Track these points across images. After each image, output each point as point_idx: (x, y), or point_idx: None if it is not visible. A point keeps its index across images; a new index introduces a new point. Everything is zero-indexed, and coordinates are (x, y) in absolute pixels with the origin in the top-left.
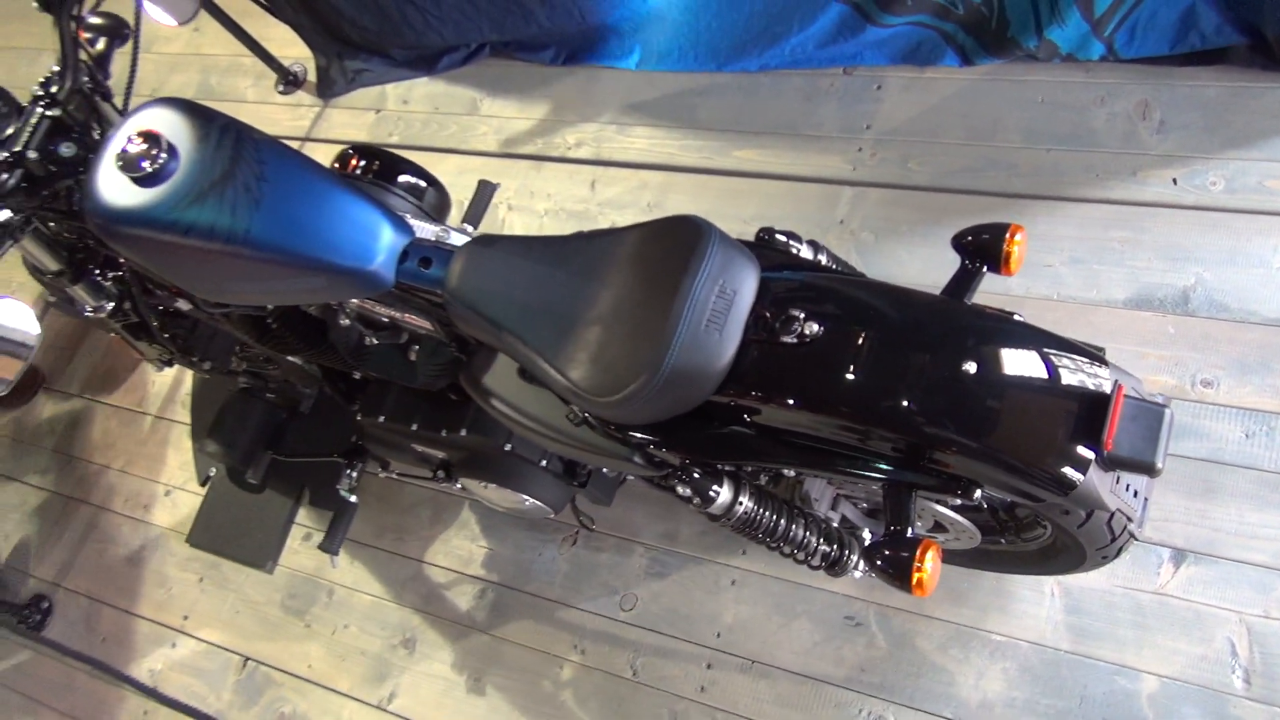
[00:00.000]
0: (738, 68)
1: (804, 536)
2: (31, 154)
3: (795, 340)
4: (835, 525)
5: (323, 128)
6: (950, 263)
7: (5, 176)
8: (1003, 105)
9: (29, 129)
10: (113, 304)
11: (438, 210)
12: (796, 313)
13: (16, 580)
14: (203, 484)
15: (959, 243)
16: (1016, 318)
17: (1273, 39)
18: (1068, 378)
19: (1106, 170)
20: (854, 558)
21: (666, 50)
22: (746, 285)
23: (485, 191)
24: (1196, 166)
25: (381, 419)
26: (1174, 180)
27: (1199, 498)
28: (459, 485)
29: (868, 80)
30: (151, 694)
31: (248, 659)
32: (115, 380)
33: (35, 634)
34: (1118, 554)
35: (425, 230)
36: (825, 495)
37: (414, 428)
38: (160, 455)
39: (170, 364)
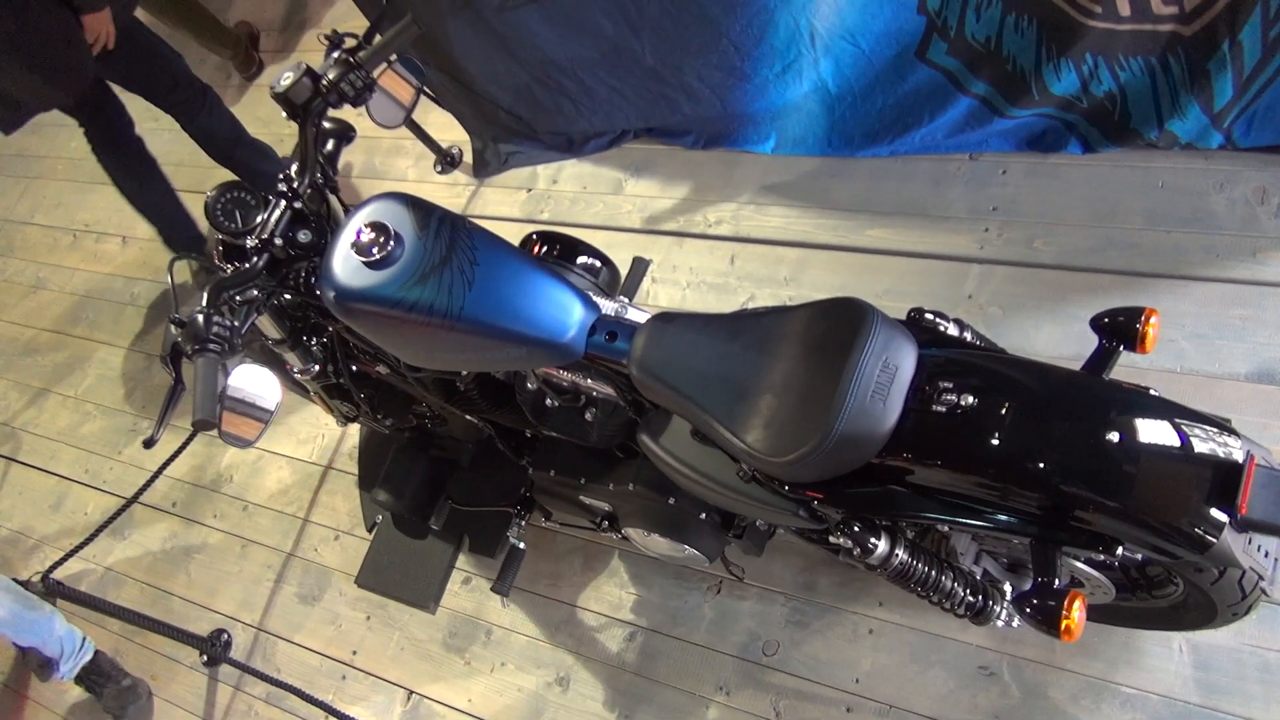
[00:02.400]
0: (869, 153)
1: (952, 586)
2: (277, 240)
3: (948, 410)
4: (979, 577)
5: (478, 205)
6: (1076, 336)
7: (256, 260)
8: (1124, 189)
9: (275, 219)
10: (318, 367)
11: (610, 286)
12: (949, 385)
13: (197, 615)
14: (369, 529)
15: (1097, 324)
16: (1152, 392)
17: None
18: (1202, 446)
19: (1226, 251)
20: (997, 608)
21: (801, 137)
22: (907, 360)
23: (639, 267)
24: None
25: (553, 472)
26: None
27: None
28: (621, 534)
29: (993, 165)
30: (334, 713)
31: (412, 692)
32: (290, 433)
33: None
34: (1247, 611)
35: (608, 306)
36: (970, 550)
37: (583, 481)
38: (330, 503)
39: (354, 420)
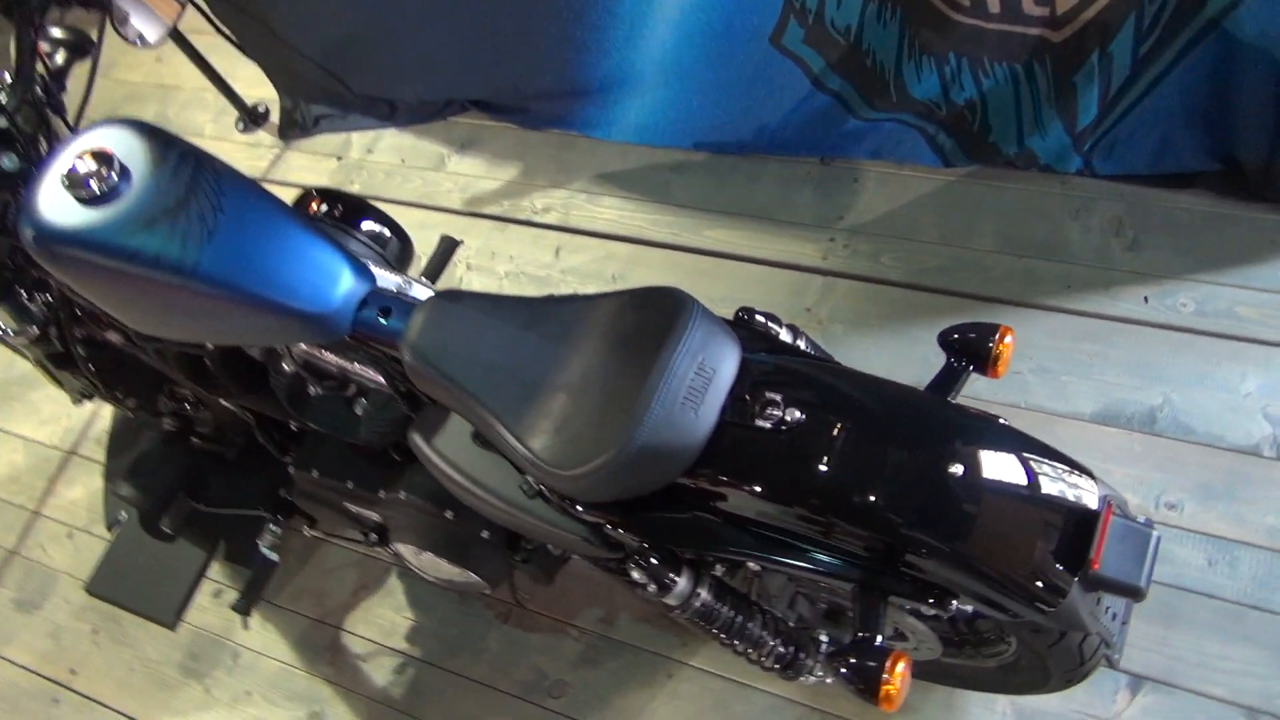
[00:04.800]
0: (714, 148)
1: (760, 635)
2: None
3: (772, 426)
4: (792, 625)
5: (280, 170)
6: (919, 360)
7: None
8: (979, 209)
9: None
10: (37, 330)
11: (400, 261)
12: (775, 397)
13: None
14: (110, 528)
15: (946, 340)
16: (1001, 421)
17: (1247, 167)
18: (1054, 489)
19: (1079, 282)
20: (810, 661)
21: (644, 124)
22: (727, 364)
23: (447, 247)
24: (1168, 286)
25: (315, 473)
26: (1145, 298)
27: (1159, 623)
28: (392, 551)
29: (845, 172)
30: None
31: None
32: (32, 411)
33: None
34: (1083, 678)
35: (388, 280)
36: (785, 591)
37: (349, 485)
38: (67, 495)
39: (90, 398)
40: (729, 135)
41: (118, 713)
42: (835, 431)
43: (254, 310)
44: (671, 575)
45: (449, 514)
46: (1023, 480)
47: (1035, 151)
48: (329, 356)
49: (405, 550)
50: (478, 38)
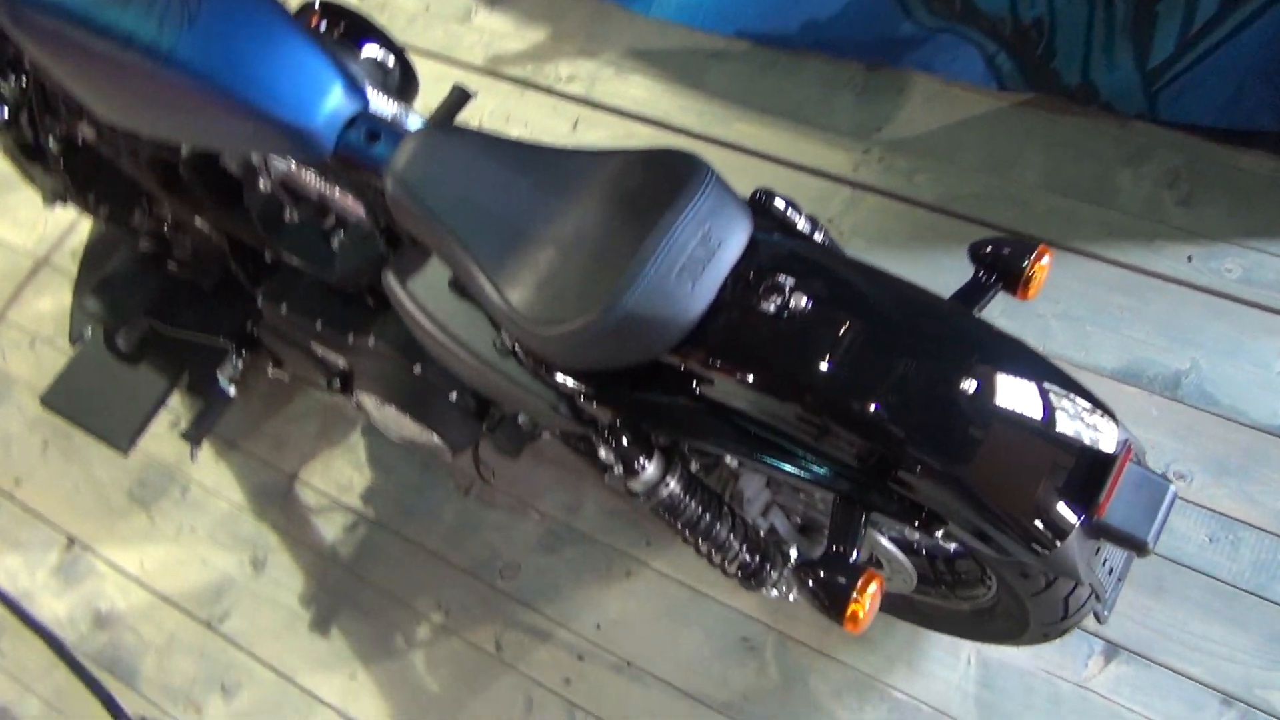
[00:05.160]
0: (757, 36)
1: (727, 538)
2: None
3: (774, 311)
4: (763, 533)
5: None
6: (941, 288)
7: None
8: (1027, 140)
9: None
10: (7, 114)
11: (401, 95)
12: (782, 281)
13: None
14: (73, 343)
15: (977, 252)
16: (1025, 344)
17: None
18: (1070, 425)
19: (1122, 231)
20: (775, 574)
21: (686, 2)
22: (735, 238)
23: (457, 98)
24: (1216, 248)
25: (284, 308)
26: (1189, 258)
27: (1147, 593)
28: (355, 401)
29: (890, 81)
30: None
31: (75, 541)
32: (7, 212)
33: None
34: (1061, 634)
35: (382, 105)
36: (759, 498)
37: (318, 325)
38: (34, 304)
39: (63, 201)
40: (774, 26)
41: (57, 528)
42: (843, 327)
43: (230, 110)
44: (642, 459)
45: (417, 368)
46: (1038, 410)
47: (1098, 86)
48: (309, 179)
49: (368, 401)
50: None
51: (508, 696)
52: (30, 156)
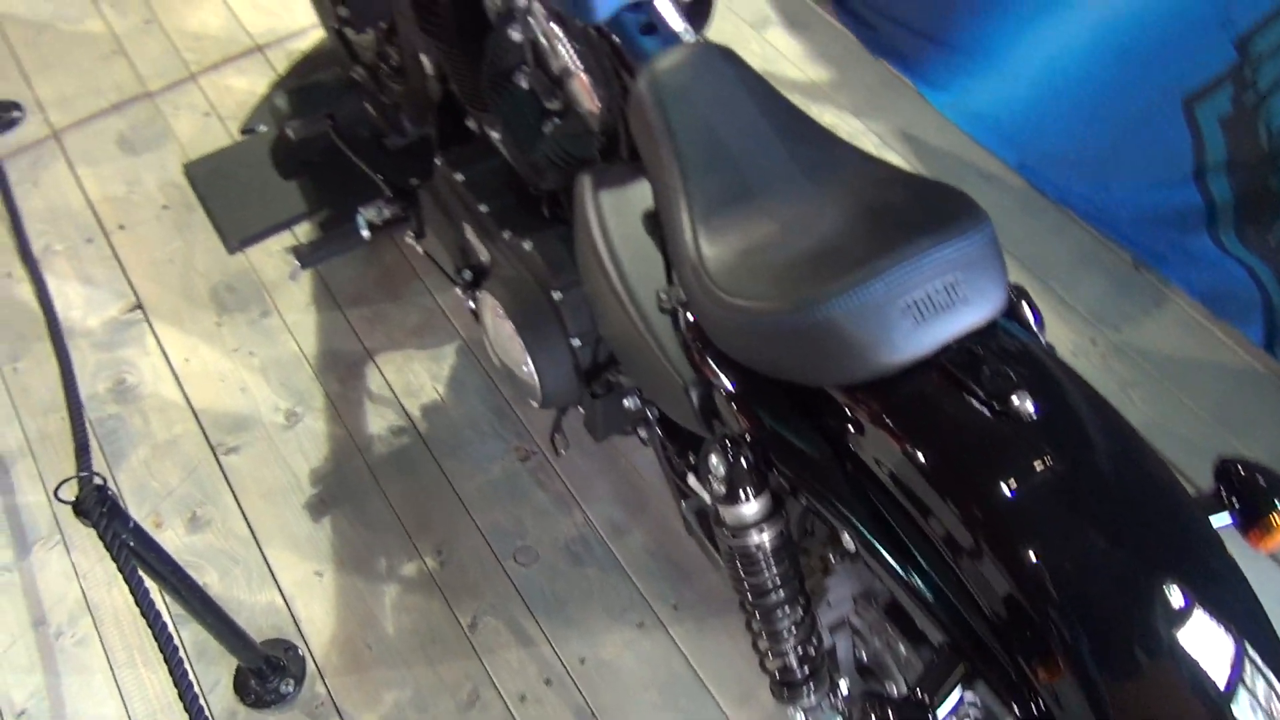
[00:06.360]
0: (1037, 179)
1: (787, 629)
2: None
3: (986, 397)
4: (823, 647)
5: None
6: None
7: None
8: (1269, 415)
9: None
10: None
11: (695, 14)
12: (1014, 377)
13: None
14: (243, 132)
15: (1223, 472)
16: (1251, 590)
17: None
18: (1247, 709)
19: None
20: (812, 698)
21: (981, 112)
22: (982, 304)
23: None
24: None
25: (460, 175)
26: None
27: None
28: (474, 298)
29: (1152, 288)
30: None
31: (140, 305)
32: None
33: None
34: None
35: (671, 11)
36: (840, 607)
37: (482, 208)
38: (225, 81)
39: None
40: (1060, 178)
41: (132, 288)
42: (1059, 458)
43: None
44: (751, 490)
45: (558, 294)
46: (1223, 675)
47: None
48: (560, 52)
49: (488, 308)
50: None
51: (456, 681)
52: None
